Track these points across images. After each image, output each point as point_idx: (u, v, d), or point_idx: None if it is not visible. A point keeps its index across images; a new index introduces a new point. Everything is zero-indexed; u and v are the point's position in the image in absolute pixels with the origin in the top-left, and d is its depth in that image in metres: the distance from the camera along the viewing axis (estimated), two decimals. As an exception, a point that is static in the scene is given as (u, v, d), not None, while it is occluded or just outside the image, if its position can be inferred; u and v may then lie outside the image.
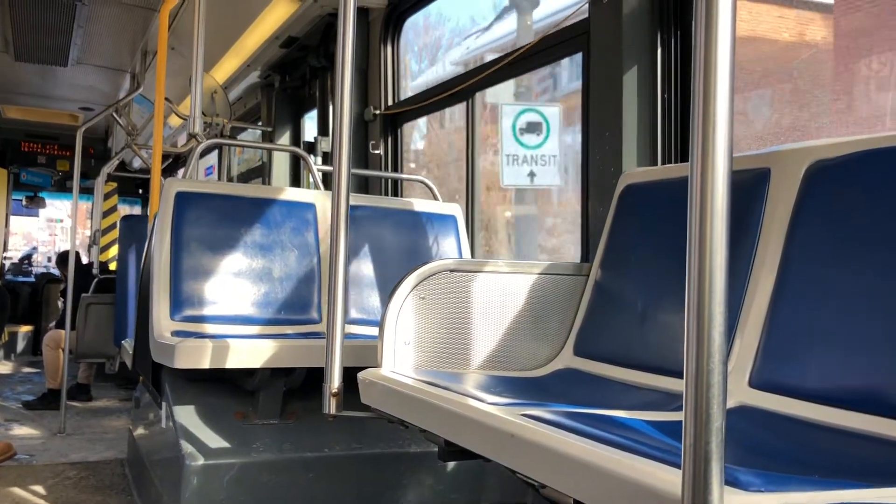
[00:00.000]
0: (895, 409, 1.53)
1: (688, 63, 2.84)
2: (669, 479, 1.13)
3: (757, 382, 1.82)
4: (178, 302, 3.19)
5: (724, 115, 1.04)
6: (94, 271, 6.34)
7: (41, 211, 12.84)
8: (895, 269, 1.65)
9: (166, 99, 4.89)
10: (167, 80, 4.66)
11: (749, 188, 2.03)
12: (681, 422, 1.06)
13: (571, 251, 4.12)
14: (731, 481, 1.10)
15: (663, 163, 2.87)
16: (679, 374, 1.05)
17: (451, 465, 3.05)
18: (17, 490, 3.75)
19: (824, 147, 1.94)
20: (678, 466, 1.06)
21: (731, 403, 1.79)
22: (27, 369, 8.28)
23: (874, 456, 1.49)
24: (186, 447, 2.82)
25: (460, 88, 4.26)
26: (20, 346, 9.28)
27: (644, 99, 2.90)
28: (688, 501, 1.01)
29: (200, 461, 2.77)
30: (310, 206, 3.58)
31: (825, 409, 1.64)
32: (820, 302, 1.78)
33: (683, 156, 2.85)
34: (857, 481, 1.23)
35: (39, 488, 3.80)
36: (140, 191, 11.47)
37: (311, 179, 4.21)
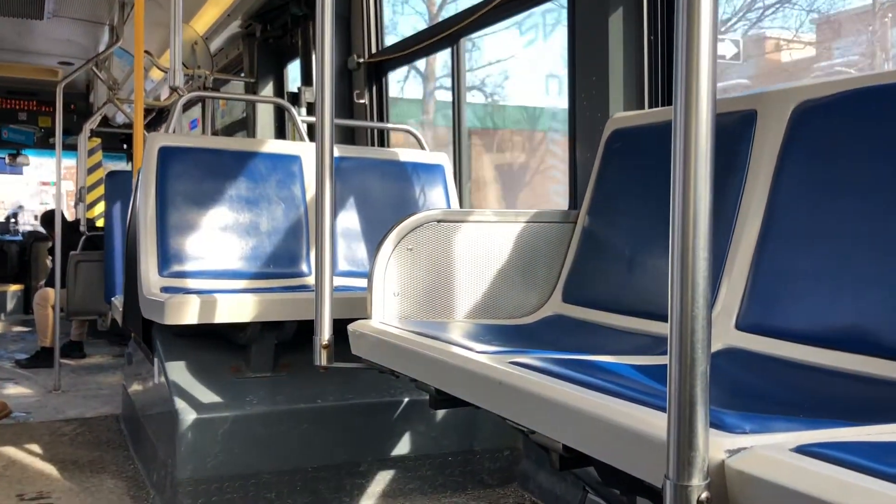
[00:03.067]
0: (880, 348, 1.55)
1: (674, 4, 2.79)
2: (656, 422, 1.14)
3: (744, 325, 1.84)
4: (165, 258, 3.18)
5: (708, 57, 1.02)
6: (82, 228, 6.29)
7: (28, 172, 12.66)
8: (881, 209, 1.65)
9: (146, 52, 4.81)
10: (146, 31, 4.57)
11: (735, 131, 2.02)
12: (668, 366, 1.07)
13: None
14: (716, 423, 1.11)
15: (650, 107, 2.85)
16: (666, 318, 1.05)
17: (442, 412, 3.08)
18: (14, 448, 3.78)
19: (811, 87, 1.92)
20: (665, 410, 1.07)
21: (717, 346, 1.81)
22: (19, 328, 8.28)
23: (859, 394, 1.51)
24: (179, 402, 2.84)
25: (446, 34, 4.19)
26: (10, 305, 9.26)
27: (630, 42, 2.86)
28: (673, 445, 1.02)
29: (194, 415, 2.80)
30: (295, 159, 3.54)
31: (811, 350, 1.66)
32: (806, 243, 1.78)
33: (671, 99, 2.82)
34: (842, 420, 1.24)
35: (36, 446, 3.83)
36: (125, 146, 11.33)
37: (296, 131, 4.16)
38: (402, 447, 3.07)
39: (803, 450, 1.02)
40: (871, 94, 1.77)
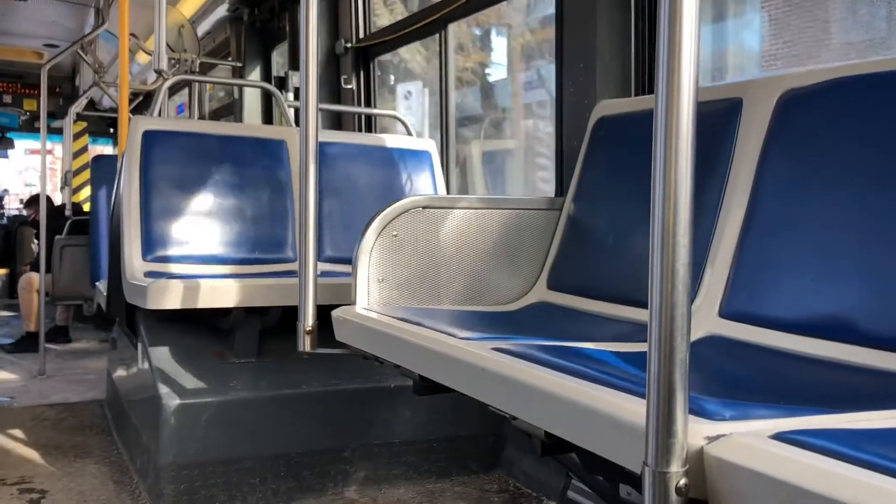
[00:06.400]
0: (860, 336, 1.56)
1: (662, -9, 2.78)
2: (635, 409, 1.14)
3: (727, 312, 1.84)
4: (149, 243, 3.16)
5: (691, 44, 1.01)
6: (68, 213, 6.24)
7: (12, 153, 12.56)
8: (864, 198, 1.66)
9: (132, 34, 4.76)
10: (132, 14, 4.52)
11: (721, 119, 2.02)
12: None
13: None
14: (696, 410, 1.12)
15: (638, 94, 2.84)
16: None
17: (427, 398, 3.08)
18: (-4, 432, 3.76)
19: (797, 76, 1.92)
20: (645, 397, 1.06)
21: (700, 333, 1.81)
22: (4, 313, 8.23)
23: (841, 382, 1.52)
24: (163, 387, 2.83)
25: (433, 19, 4.17)
26: (-5, 289, 9.20)
27: (618, 29, 2.85)
28: (652, 431, 1.02)
29: (178, 401, 2.78)
30: (281, 144, 3.52)
31: (794, 338, 1.66)
32: (790, 232, 1.78)
33: (658, 87, 2.81)
34: (821, 407, 1.25)
35: (18, 431, 3.81)
36: (111, 130, 11.25)
37: (282, 116, 4.14)
38: (387, 433, 3.07)
39: (781, 437, 1.03)
40: (856, 82, 1.77)
